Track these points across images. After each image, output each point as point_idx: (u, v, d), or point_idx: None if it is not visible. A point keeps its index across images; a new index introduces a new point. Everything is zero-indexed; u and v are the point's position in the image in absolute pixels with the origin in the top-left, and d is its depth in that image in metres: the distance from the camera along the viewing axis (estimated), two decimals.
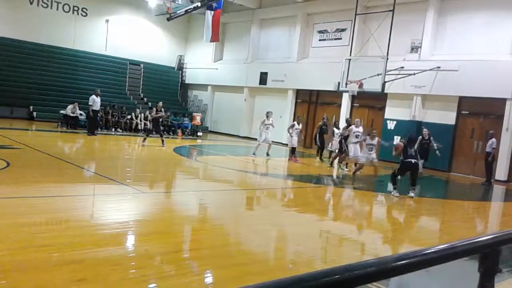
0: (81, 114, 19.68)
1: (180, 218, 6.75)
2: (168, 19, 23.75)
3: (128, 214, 6.38)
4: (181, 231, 6.12)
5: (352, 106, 20.53)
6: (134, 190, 8.04)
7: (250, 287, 1.15)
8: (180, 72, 29.19)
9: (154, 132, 16.02)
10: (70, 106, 19.44)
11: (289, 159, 15.57)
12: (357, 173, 12.72)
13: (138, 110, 22.25)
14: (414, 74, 16.84)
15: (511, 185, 15.02)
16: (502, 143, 15.35)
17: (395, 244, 6.61)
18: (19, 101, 20.93)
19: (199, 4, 22.08)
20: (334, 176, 13.76)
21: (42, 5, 24.25)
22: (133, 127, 21.52)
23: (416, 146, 12.57)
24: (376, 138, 12.09)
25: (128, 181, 9.13)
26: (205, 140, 22.58)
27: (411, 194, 10.04)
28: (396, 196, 9.98)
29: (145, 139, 15.53)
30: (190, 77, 29.05)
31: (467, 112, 16.99)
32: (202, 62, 27.98)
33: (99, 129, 19.40)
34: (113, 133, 20.24)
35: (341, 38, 21.14)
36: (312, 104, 22.64)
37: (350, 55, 18.34)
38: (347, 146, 14.06)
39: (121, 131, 20.95)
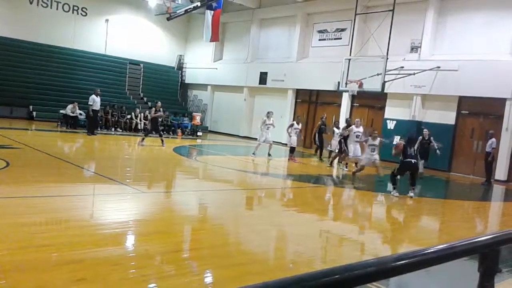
0: (80, 114, 19.67)
1: (180, 218, 6.75)
2: (168, 19, 23.74)
3: (128, 214, 6.38)
4: (181, 231, 6.12)
5: (352, 106, 20.53)
6: (134, 190, 8.04)
7: (250, 287, 1.15)
8: (180, 72, 29.19)
9: (153, 132, 16.00)
10: (69, 106, 19.43)
11: (288, 159, 15.57)
12: (357, 173, 12.67)
13: (138, 110, 22.25)
14: (414, 74, 16.84)
15: (511, 185, 15.02)
16: (502, 143, 15.36)
17: (394, 244, 6.61)
18: (18, 100, 20.93)
19: (199, 3, 22.07)
20: (334, 176, 13.76)
21: (41, 4, 24.24)
22: (133, 127, 21.53)
23: (416, 146, 12.56)
24: (378, 139, 12.05)
25: (128, 181, 9.13)
26: (205, 140, 22.58)
27: (411, 194, 10.05)
28: (396, 196, 9.98)
29: (143, 139, 15.51)
30: (190, 77, 29.05)
31: (467, 112, 16.99)
32: (202, 62, 27.97)
33: (99, 129, 19.40)
34: (112, 132, 20.24)
35: (341, 38, 21.14)
36: (312, 104, 22.64)
37: (350, 55, 18.34)
38: (346, 146, 14.05)
39: (121, 130, 20.96)
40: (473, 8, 16.74)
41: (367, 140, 12.14)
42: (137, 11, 26.95)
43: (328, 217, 8.07)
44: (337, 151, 15.06)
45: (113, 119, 21.02)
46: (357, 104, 20.41)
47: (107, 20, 26.27)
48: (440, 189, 14.03)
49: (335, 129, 15.63)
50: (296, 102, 23.11)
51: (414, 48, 18.10)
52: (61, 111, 19.64)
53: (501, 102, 15.54)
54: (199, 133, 23.70)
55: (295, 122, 15.79)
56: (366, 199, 10.40)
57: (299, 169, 14.42)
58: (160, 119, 17.45)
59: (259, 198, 9.34)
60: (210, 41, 23.71)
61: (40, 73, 22.77)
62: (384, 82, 16.65)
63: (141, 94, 26.29)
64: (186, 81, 29.25)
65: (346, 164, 14.55)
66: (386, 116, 18.87)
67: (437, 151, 13.84)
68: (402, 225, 8.20)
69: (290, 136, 15.41)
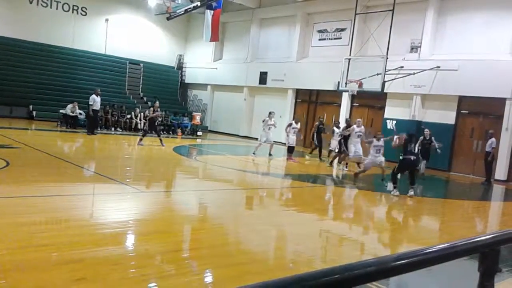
0: (80, 114, 19.66)
1: (180, 217, 6.75)
2: (168, 19, 23.74)
3: (127, 213, 6.38)
4: (180, 231, 6.12)
5: (351, 106, 20.53)
6: (133, 190, 8.04)
7: (250, 286, 1.15)
8: (180, 71, 29.19)
9: (153, 132, 15.99)
10: (69, 106, 19.42)
11: (286, 159, 15.56)
12: (359, 175, 12.44)
13: (137, 110, 22.24)
14: (413, 73, 16.84)
15: (511, 185, 15.03)
16: (501, 143, 15.36)
17: (394, 243, 6.61)
18: (18, 100, 20.92)
19: (198, 3, 22.07)
20: (334, 176, 13.76)
21: (41, 4, 24.24)
22: (133, 127, 21.52)
23: (417, 146, 12.52)
24: (382, 139, 11.96)
25: (127, 180, 9.13)
26: (204, 139, 22.58)
27: (411, 193, 10.05)
28: (396, 196, 9.98)
29: (141, 139, 15.49)
30: (189, 76, 29.04)
31: (466, 112, 16.99)
32: (201, 62, 27.97)
33: (99, 129, 19.40)
34: (112, 132, 20.24)
35: (341, 38, 21.14)
36: (312, 104, 22.64)
37: (350, 54, 18.33)
38: (346, 147, 14.02)
39: (120, 130, 20.96)
40: (473, 8, 16.73)
41: (371, 141, 12.03)
42: (137, 10, 26.95)
43: (328, 217, 8.07)
44: (337, 150, 15.06)
45: (113, 119, 21.02)
46: (357, 104, 20.41)
47: (107, 20, 26.27)
48: (440, 189, 14.03)
49: (335, 128, 15.64)
50: (296, 102, 23.11)
51: (414, 48, 18.10)
52: (61, 111, 19.63)
53: (501, 101, 15.54)
54: (199, 133, 23.70)
55: (293, 122, 15.80)
56: (366, 198, 10.40)
57: (299, 168, 14.42)
58: (160, 119, 17.43)
59: (259, 197, 9.34)
60: (210, 41, 23.72)
61: (39, 72, 22.77)
62: (384, 82, 16.64)
63: (141, 94, 26.29)
64: (186, 81, 29.24)
65: (346, 164, 14.54)
66: (386, 116, 18.86)
67: (438, 150, 13.88)
68: (402, 225, 8.20)
69: (288, 136, 15.41)
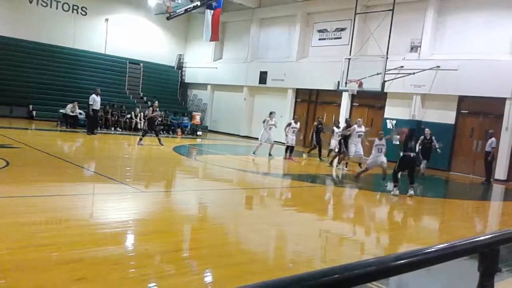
0: (80, 113, 19.66)
1: (180, 217, 6.75)
2: (168, 18, 23.74)
3: (127, 213, 6.38)
4: (180, 230, 6.11)
5: (351, 106, 20.53)
6: (133, 189, 8.03)
7: (250, 286, 1.15)
8: (180, 71, 29.19)
9: (153, 132, 15.98)
10: (69, 105, 19.42)
11: (286, 158, 15.55)
12: (360, 175, 12.39)
13: (137, 109, 22.23)
14: (413, 73, 16.84)
15: (511, 185, 15.03)
16: (501, 143, 15.36)
17: (394, 243, 6.61)
18: (18, 100, 20.92)
19: (198, 3, 22.07)
20: (334, 175, 13.75)
21: (41, 4, 24.23)
22: (133, 126, 21.52)
23: (418, 145, 12.51)
24: (384, 138, 11.95)
25: (127, 180, 9.13)
26: (204, 139, 22.58)
27: (411, 192, 10.05)
28: (396, 195, 9.98)
29: (141, 139, 15.49)
30: (189, 76, 29.04)
31: (466, 112, 17.00)
32: (201, 61, 27.97)
33: (99, 128, 19.39)
34: (112, 132, 20.24)
35: (340, 38, 21.14)
36: (312, 104, 22.64)
37: (350, 54, 18.34)
38: (346, 147, 14.00)
39: (120, 130, 20.95)
40: (473, 8, 16.74)
41: (373, 140, 12.02)
42: (137, 10, 26.94)
43: (328, 217, 8.07)
44: (336, 150, 15.06)
45: (113, 119, 21.02)
46: (357, 104, 20.41)
47: (107, 20, 26.26)
48: (440, 189, 14.03)
49: (335, 128, 15.64)
50: (296, 101, 23.11)
51: (414, 48, 18.10)
52: (61, 111, 19.63)
53: (501, 101, 15.54)
54: (199, 133, 23.70)
55: (292, 121, 15.80)
56: (366, 198, 10.40)
57: (299, 168, 14.42)
58: (159, 119, 17.42)
59: (259, 197, 9.34)
60: (210, 41, 23.71)
61: (40, 72, 22.76)
62: (384, 81, 16.65)
63: (141, 94, 26.29)
64: (186, 81, 29.24)
65: (346, 164, 14.53)
66: (386, 115, 18.86)
67: (438, 150, 13.90)
68: (401, 225, 8.20)
69: (287, 135, 15.40)
